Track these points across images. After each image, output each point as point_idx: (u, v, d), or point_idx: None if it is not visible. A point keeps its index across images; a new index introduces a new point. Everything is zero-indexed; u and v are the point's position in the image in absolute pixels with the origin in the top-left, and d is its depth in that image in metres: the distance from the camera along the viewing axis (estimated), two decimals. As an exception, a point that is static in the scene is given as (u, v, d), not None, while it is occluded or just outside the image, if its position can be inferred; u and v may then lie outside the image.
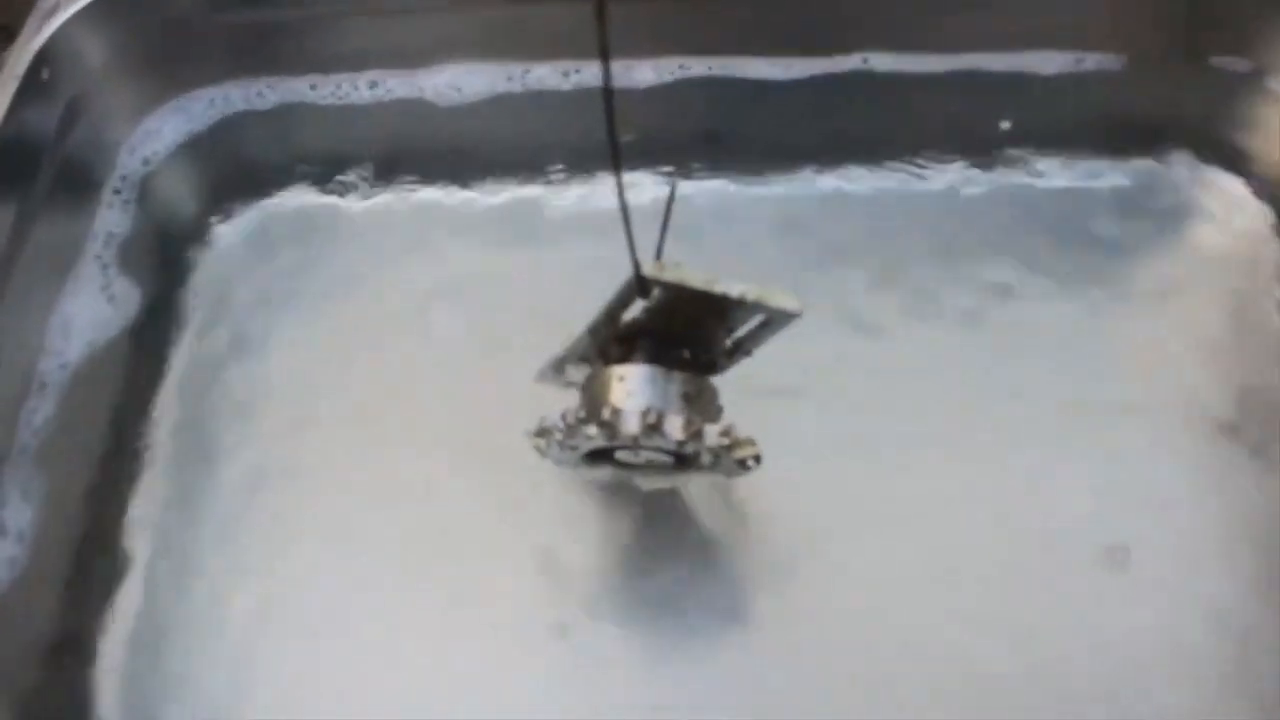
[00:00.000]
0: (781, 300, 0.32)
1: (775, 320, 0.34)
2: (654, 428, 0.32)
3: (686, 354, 0.35)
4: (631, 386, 0.33)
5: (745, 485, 0.39)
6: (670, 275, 0.31)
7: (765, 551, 0.41)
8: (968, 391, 0.44)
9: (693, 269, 0.31)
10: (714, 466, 0.36)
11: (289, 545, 0.42)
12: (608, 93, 0.25)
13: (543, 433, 0.36)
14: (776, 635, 0.39)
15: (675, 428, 0.33)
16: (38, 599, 0.40)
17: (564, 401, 0.35)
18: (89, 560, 0.42)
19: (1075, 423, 0.43)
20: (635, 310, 0.34)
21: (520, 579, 0.41)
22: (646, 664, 0.39)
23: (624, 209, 0.29)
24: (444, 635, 0.40)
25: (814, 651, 0.39)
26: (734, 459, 0.34)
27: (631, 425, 0.33)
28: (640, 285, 0.31)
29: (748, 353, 0.36)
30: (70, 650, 0.40)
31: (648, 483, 0.42)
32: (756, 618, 0.40)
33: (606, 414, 0.33)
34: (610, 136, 0.26)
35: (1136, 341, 0.45)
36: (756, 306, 0.32)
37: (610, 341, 0.35)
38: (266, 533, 0.42)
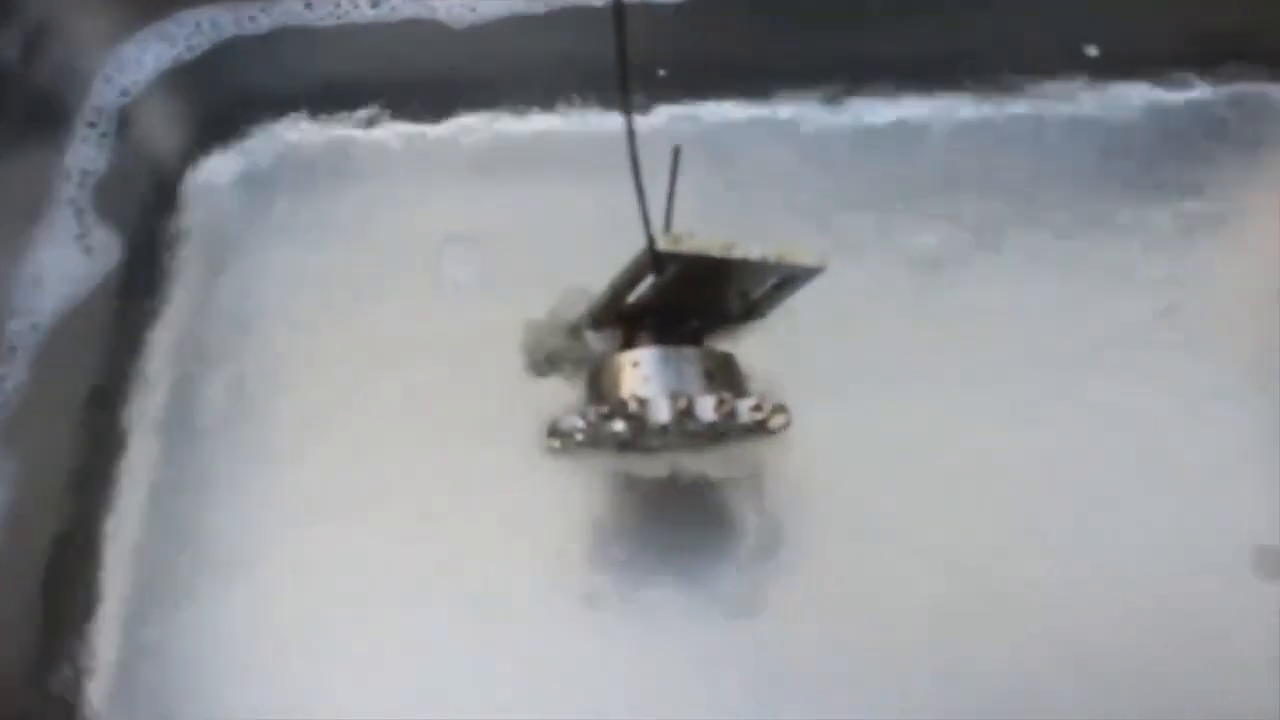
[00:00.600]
0: (804, 257, 0.31)
1: (796, 278, 0.32)
2: (686, 413, 0.31)
3: (695, 324, 0.34)
4: (648, 371, 0.32)
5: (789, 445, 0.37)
6: (688, 247, 0.29)
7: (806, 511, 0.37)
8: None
9: (707, 236, 0.29)
10: (742, 436, 0.34)
11: (293, 524, 0.38)
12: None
13: (558, 434, 0.34)
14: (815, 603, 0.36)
15: (707, 409, 0.31)
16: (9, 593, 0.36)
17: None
18: (65, 550, 0.37)
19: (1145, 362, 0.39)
20: (641, 287, 0.32)
21: (535, 555, 0.37)
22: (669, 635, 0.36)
23: (637, 176, 0.27)
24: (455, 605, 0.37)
25: (868, 615, 0.36)
26: (766, 428, 0.33)
27: (662, 414, 0.31)
28: (655, 262, 0.29)
29: (762, 314, 0.35)
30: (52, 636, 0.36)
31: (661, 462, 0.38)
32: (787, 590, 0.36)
33: (633, 406, 0.31)
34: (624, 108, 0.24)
35: (1230, 272, 0.41)
36: (778, 267, 0.31)
37: (611, 323, 0.34)
38: (267, 512, 0.38)
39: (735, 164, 0.44)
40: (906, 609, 0.36)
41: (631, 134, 0.26)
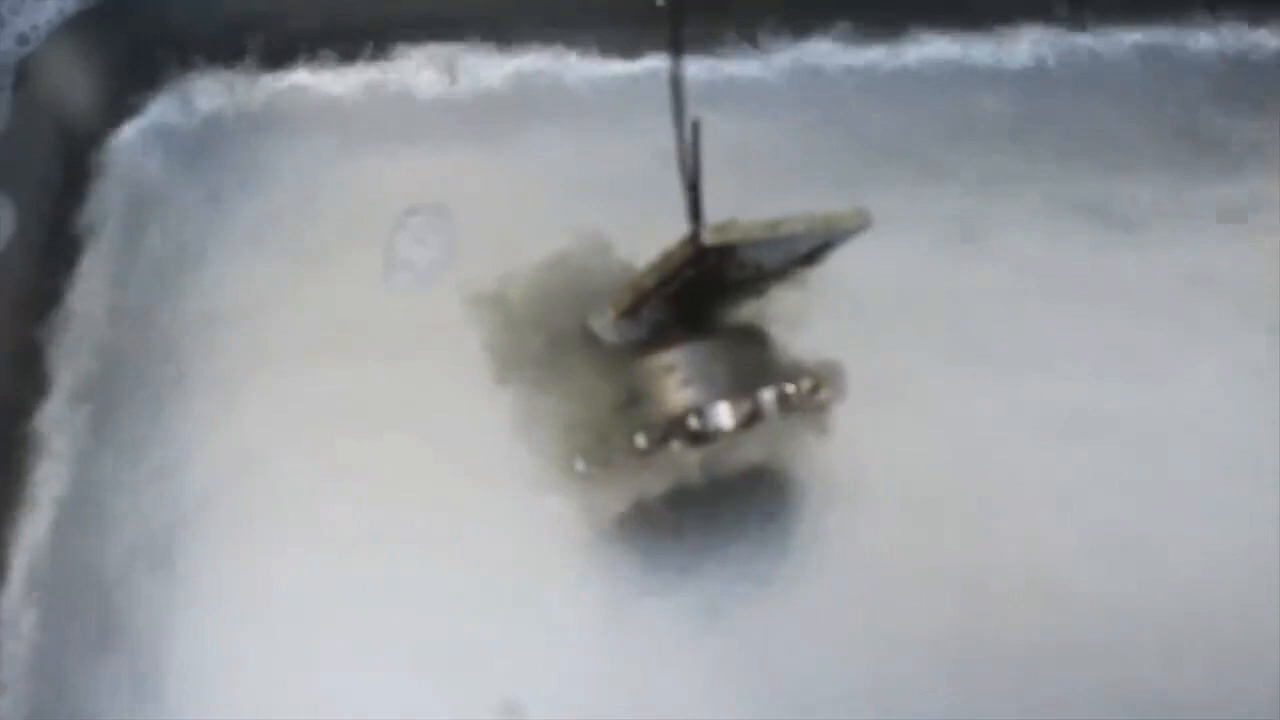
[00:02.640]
0: (851, 222, 0.29)
1: (835, 241, 0.30)
2: (754, 416, 0.29)
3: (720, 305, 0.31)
4: (688, 374, 0.29)
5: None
6: (734, 235, 0.27)
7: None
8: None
9: (749, 220, 0.27)
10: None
11: (240, 526, 0.33)
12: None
13: (597, 460, 0.30)
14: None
15: (770, 404, 0.29)
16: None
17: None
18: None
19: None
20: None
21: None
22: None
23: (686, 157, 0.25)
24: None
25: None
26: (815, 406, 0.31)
27: (726, 421, 0.28)
28: (698, 257, 0.27)
29: (788, 278, 0.32)
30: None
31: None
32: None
33: (694, 422, 0.28)
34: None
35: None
36: (824, 234, 0.29)
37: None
38: (199, 515, 0.33)
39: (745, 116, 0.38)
40: (959, 600, 0.31)
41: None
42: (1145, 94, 0.38)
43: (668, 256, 0.27)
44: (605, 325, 0.30)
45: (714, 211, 0.27)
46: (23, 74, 0.38)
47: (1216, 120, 0.38)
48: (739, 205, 0.26)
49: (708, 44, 0.39)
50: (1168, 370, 0.34)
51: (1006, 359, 0.34)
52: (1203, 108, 0.38)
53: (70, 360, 0.36)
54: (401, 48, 0.40)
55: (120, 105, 0.40)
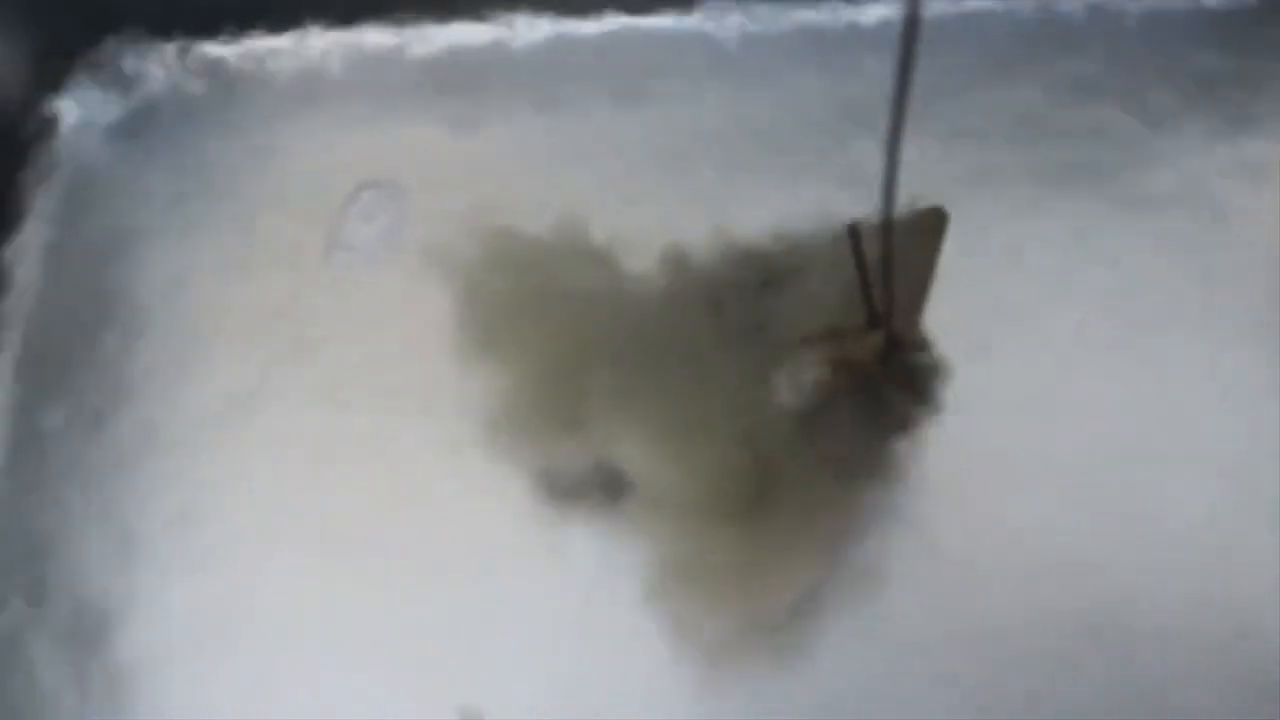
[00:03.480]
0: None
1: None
2: None
3: None
4: None
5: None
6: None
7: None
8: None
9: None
10: None
11: (186, 519, 0.31)
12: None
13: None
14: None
15: None
16: None
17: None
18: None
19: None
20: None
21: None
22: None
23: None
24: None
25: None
26: None
27: None
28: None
29: None
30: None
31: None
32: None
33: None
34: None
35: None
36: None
37: None
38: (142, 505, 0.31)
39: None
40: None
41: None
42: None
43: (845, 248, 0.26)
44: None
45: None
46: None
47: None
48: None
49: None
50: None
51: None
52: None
53: (2, 337, 0.34)
54: (349, 20, 0.38)
55: (53, 78, 0.38)
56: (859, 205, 0.25)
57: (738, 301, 0.29)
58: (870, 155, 0.23)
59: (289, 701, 0.29)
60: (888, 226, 0.24)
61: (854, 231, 0.26)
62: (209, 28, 0.38)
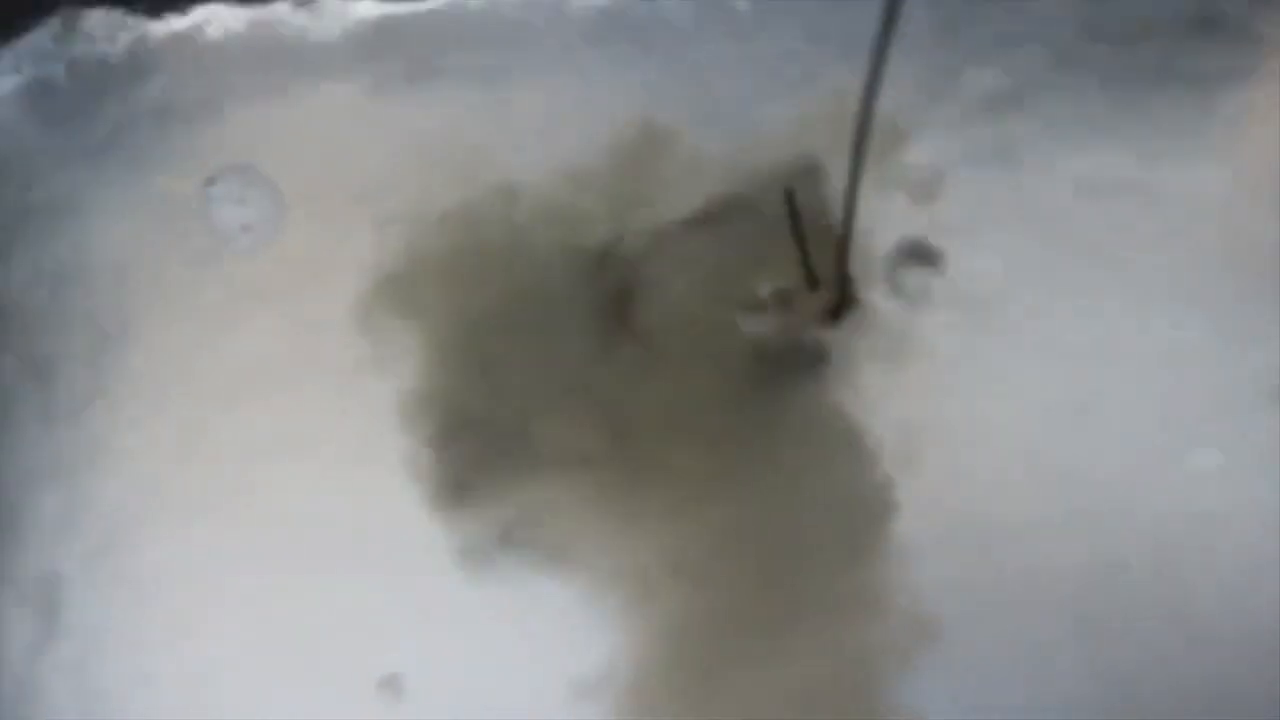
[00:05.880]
0: None
1: None
2: None
3: None
4: None
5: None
6: None
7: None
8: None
9: None
10: None
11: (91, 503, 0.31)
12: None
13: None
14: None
15: None
16: None
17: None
18: None
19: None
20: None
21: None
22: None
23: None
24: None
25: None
26: None
27: None
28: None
29: None
30: None
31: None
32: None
33: None
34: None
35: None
36: None
37: None
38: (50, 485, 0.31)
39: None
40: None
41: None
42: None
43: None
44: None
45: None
46: None
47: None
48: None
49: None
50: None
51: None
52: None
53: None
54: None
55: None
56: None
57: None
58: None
59: (197, 680, 0.29)
60: (852, 195, 0.24)
61: (790, 196, 0.26)
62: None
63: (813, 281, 0.28)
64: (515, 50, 0.34)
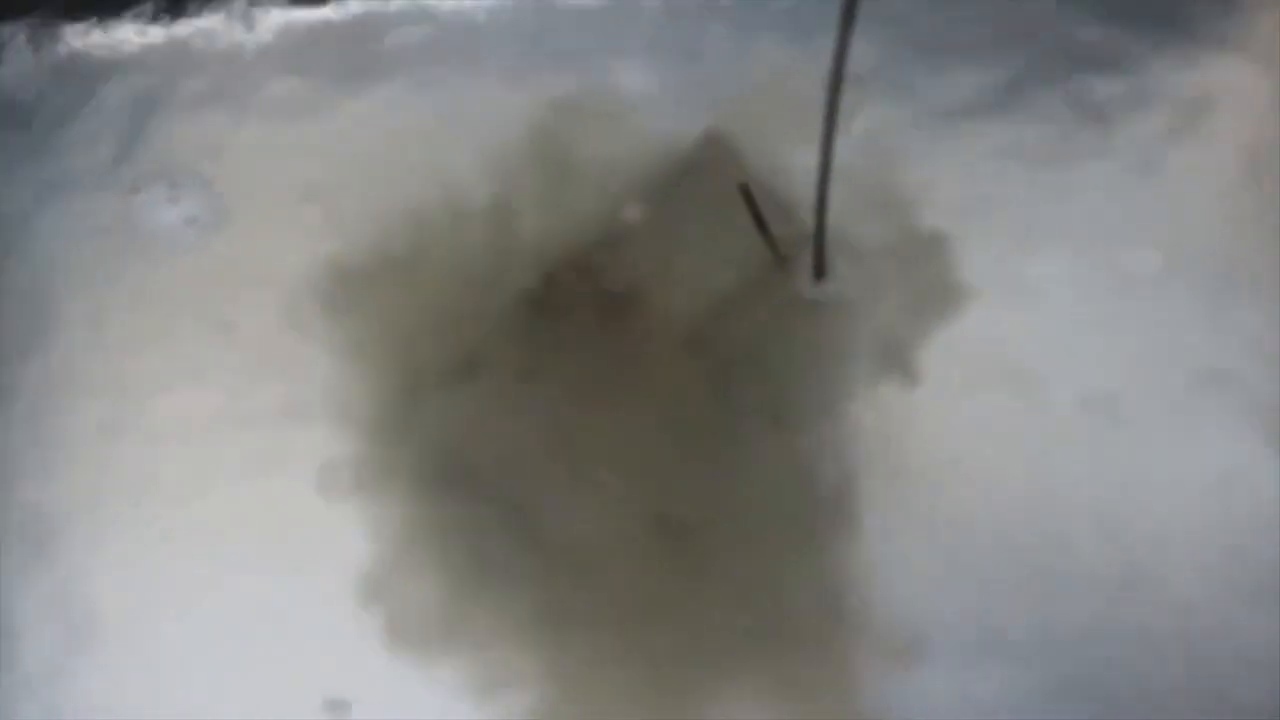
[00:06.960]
0: None
1: None
2: None
3: None
4: None
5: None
6: None
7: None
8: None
9: None
10: None
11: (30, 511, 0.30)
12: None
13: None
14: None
15: None
16: None
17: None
18: None
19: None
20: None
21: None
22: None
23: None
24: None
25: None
26: None
27: None
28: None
29: None
30: None
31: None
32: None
33: None
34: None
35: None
36: None
37: None
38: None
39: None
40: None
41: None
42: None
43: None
44: None
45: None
46: None
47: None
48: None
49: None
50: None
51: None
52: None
53: None
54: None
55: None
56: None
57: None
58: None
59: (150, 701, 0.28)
60: (824, 174, 0.25)
61: (746, 191, 0.26)
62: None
63: (780, 259, 0.28)
64: (450, 51, 0.33)
